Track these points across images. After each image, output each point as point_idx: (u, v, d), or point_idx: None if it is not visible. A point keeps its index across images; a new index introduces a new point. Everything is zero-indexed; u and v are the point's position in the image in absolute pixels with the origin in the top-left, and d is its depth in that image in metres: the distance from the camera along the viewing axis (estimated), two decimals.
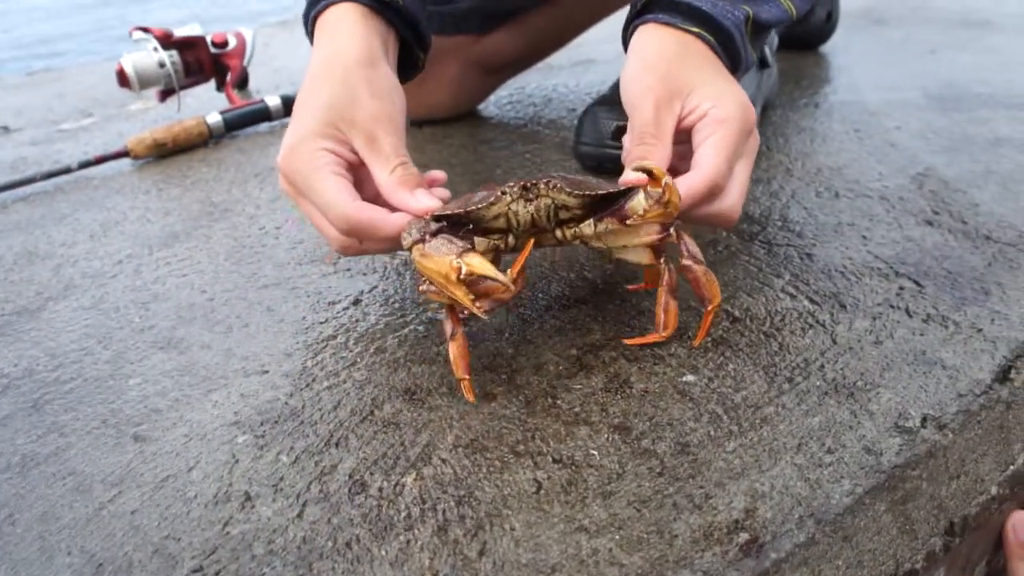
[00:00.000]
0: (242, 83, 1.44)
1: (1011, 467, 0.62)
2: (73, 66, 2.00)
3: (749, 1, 0.75)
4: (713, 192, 0.65)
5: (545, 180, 0.62)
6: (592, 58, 1.52)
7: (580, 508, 0.53)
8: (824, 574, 0.51)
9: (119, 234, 0.97)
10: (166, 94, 1.34)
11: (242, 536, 0.53)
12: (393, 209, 0.66)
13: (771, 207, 0.91)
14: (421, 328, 0.72)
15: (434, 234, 0.59)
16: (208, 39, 1.34)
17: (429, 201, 0.66)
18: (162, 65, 1.29)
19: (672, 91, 0.69)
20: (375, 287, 0.79)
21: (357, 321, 0.74)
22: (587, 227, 0.65)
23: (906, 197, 0.92)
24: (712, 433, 0.59)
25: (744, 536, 0.51)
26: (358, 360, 0.69)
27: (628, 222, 0.62)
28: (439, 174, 0.73)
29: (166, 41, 1.29)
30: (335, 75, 0.71)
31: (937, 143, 1.07)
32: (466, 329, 0.63)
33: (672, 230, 0.65)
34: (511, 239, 0.65)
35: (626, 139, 0.72)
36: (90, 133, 1.39)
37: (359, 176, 0.69)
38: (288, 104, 1.30)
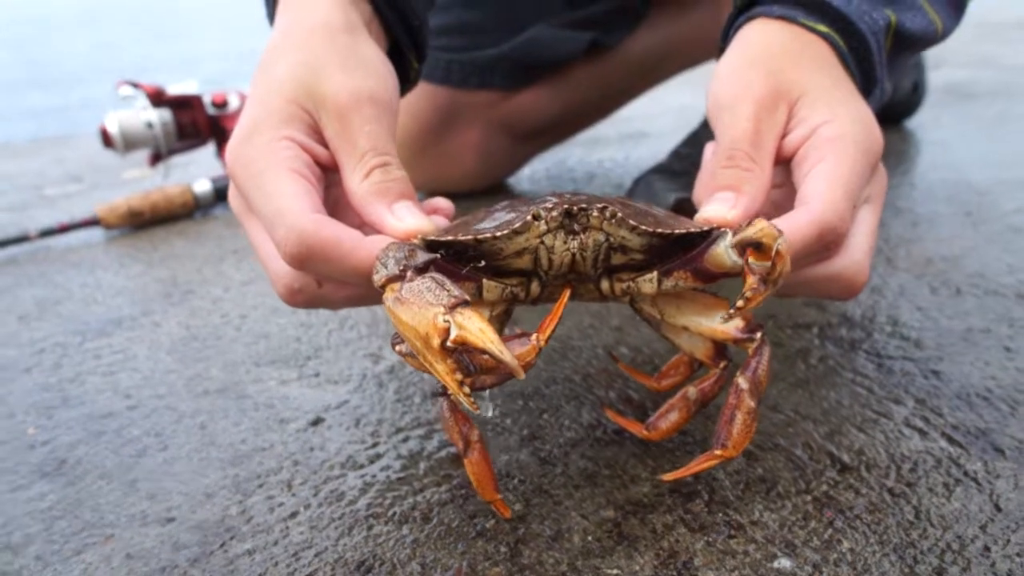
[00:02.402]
0: None
1: None
2: (88, 133, 1.89)
3: (891, 5, 0.55)
4: (826, 241, 0.44)
5: (600, 207, 0.42)
6: (644, 131, 1.34)
7: None
8: None
9: (54, 316, 0.79)
10: (156, 158, 1.18)
11: None
12: (366, 230, 0.46)
13: (875, 307, 0.69)
14: (397, 466, 0.52)
15: (421, 269, 0.39)
16: (207, 98, 1.19)
17: (414, 219, 0.45)
18: (150, 125, 1.13)
19: (778, 93, 0.49)
20: (345, 401, 0.59)
21: (312, 450, 0.54)
22: (647, 282, 0.44)
23: None
24: None
25: None
26: (300, 510, 0.48)
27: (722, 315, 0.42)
28: (445, 203, 0.52)
29: (157, 99, 1.14)
30: (302, 40, 0.51)
31: None
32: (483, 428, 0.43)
33: (760, 334, 0.44)
34: (535, 286, 0.45)
35: (707, 155, 0.53)
36: (71, 200, 1.24)
37: (336, 193, 0.49)
38: None
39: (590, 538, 0.44)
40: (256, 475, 0.52)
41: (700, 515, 0.46)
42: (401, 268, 0.39)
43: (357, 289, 0.46)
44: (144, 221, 1.06)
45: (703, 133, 0.87)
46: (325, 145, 0.49)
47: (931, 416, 0.54)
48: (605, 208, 0.42)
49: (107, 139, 1.14)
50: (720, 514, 0.46)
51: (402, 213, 0.46)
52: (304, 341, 0.69)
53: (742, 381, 0.44)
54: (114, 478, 0.53)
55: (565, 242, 0.42)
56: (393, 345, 0.44)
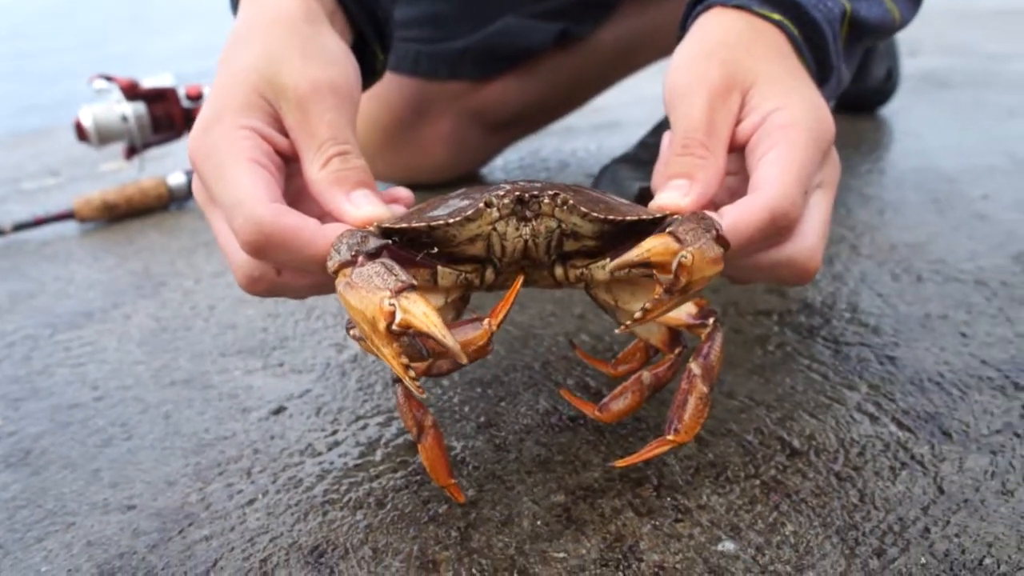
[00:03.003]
0: None
1: None
2: (66, 127, 1.88)
3: None
4: (779, 226, 0.45)
5: (552, 192, 0.42)
6: (617, 121, 1.35)
7: None
8: None
9: (27, 309, 0.80)
10: (132, 151, 1.18)
11: None
12: (327, 219, 0.46)
13: (836, 293, 0.70)
14: (355, 452, 0.52)
15: (372, 255, 0.40)
16: (181, 91, 1.19)
17: (371, 207, 0.46)
18: (125, 119, 1.13)
19: (731, 81, 0.49)
20: (307, 391, 0.60)
21: (272, 438, 0.55)
22: (599, 268, 0.45)
23: (1010, 281, 0.71)
24: None
25: None
26: (258, 497, 0.49)
27: (638, 310, 0.42)
28: (404, 192, 0.53)
29: (131, 92, 1.14)
30: (263, 30, 0.52)
31: None
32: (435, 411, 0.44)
33: (712, 320, 0.45)
34: (489, 273, 0.46)
35: (664, 144, 0.53)
36: (48, 194, 1.24)
37: (297, 184, 0.50)
38: None
39: (539, 522, 0.45)
40: (217, 463, 0.52)
41: (648, 500, 0.46)
42: (353, 254, 0.40)
43: (317, 277, 0.46)
44: (119, 214, 1.06)
45: (668, 123, 0.88)
46: (286, 134, 0.50)
47: (883, 401, 0.55)
48: (557, 195, 0.43)
49: (82, 133, 1.13)
50: (668, 499, 0.46)
51: (359, 201, 0.47)
52: (271, 331, 0.70)
53: (694, 366, 0.45)
54: (78, 467, 0.54)
55: (517, 228, 0.43)
56: (347, 330, 0.44)
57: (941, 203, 0.91)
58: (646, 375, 0.48)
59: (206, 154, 0.48)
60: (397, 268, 0.38)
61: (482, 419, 0.55)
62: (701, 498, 0.46)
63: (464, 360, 0.38)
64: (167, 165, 1.23)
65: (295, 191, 0.50)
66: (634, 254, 0.40)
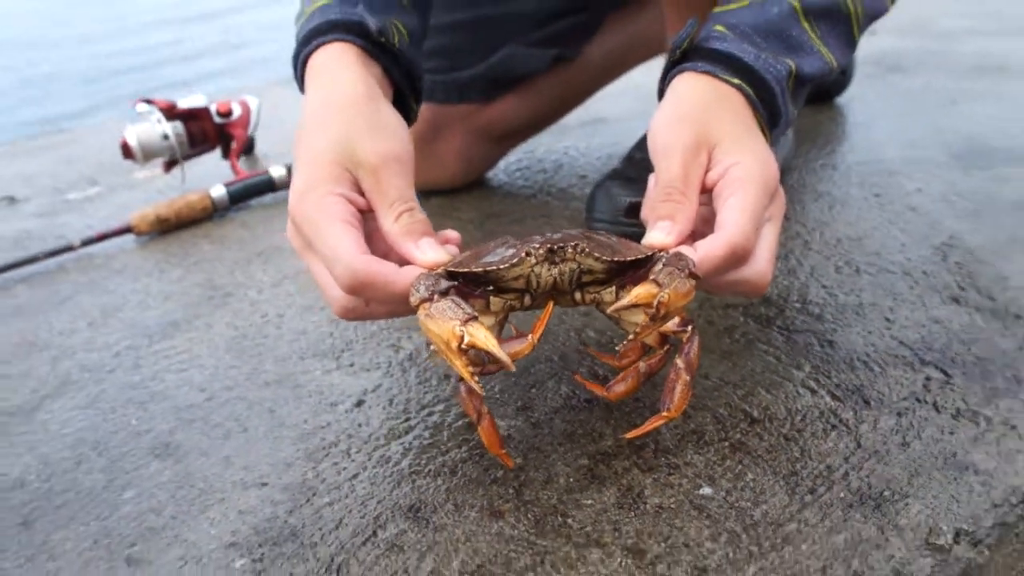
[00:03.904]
0: (248, 149, 1.44)
1: None
2: (83, 128, 2.01)
3: (792, 53, 0.72)
4: (737, 256, 0.61)
5: (573, 244, 0.58)
6: (603, 116, 1.50)
7: None
8: None
9: (118, 322, 0.95)
10: (171, 164, 1.33)
11: None
12: (403, 263, 0.62)
13: (790, 287, 0.87)
14: (426, 434, 0.69)
15: (444, 293, 0.56)
16: (212, 108, 1.33)
17: (435, 254, 0.62)
18: (166, 137, 1.28)
19: (700, 141, 0.65)
20: (379, 385, 0.77)
21: (360, 426, 0.71)
22: (608, 293, 0.62)
23: (930, 271, 0.89)
24: (731, 555, 0.55)
25: None
26: (360, 471, 0.66)
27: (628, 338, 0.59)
28: (453, 234, 0.69)
29: (170, 113, 1.29)
30: (337, 113, 0.66)
31: (960, 206, 1.03)
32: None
33: (690, 328, 0.62)
34: (527, 299, 0.62)
35: (650, 186, 0.69)
36: (95, 204, 1.38)
37: (370, 228, 0.65)
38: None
39: (571, 480, 0.62)
40: (321, 447, 0.69)
41: (648, 460, 0.64)
42: (430, 293, 0.56)
43: (395, 306, 0.62)
44: (170, 226, 1.21)
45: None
46: (362, 195, 0.65)
47: (821, 378, 0.73)
48: (577, 245, 0.59)
49: (127, 151, 1.28)
50: (663, 458, 0.64)
51: (425, 248, 0.63)
52: (336, 336, 0.86)
53: (679, 361, 0.62)
54: (211, 455, 0.70)
55: (548, 270, 0.59)
56: (427, 346, 0.61)
57: (881, 197, 1.08)
58: (642, 365, 0.65)
59: (305, 216, 0.63)
60: (463, 303, 0.55)
61: (519, 404, 0.71)
62: (686, 457, 0.64)
63: (512, 369, 0.55)
64: (199, 173, 1.37)
65: (367, 235, 0.66)
66: (627, 301, 0.56)
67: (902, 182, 1.12)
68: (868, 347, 0.76)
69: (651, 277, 0.56)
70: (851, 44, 0.80)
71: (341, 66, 0.70)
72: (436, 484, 0.63)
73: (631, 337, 0.58)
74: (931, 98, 1.48)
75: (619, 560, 0.55)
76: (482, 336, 0.53)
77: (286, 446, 0.70)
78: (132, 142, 1.26)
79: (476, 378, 0.55)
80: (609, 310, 0.58)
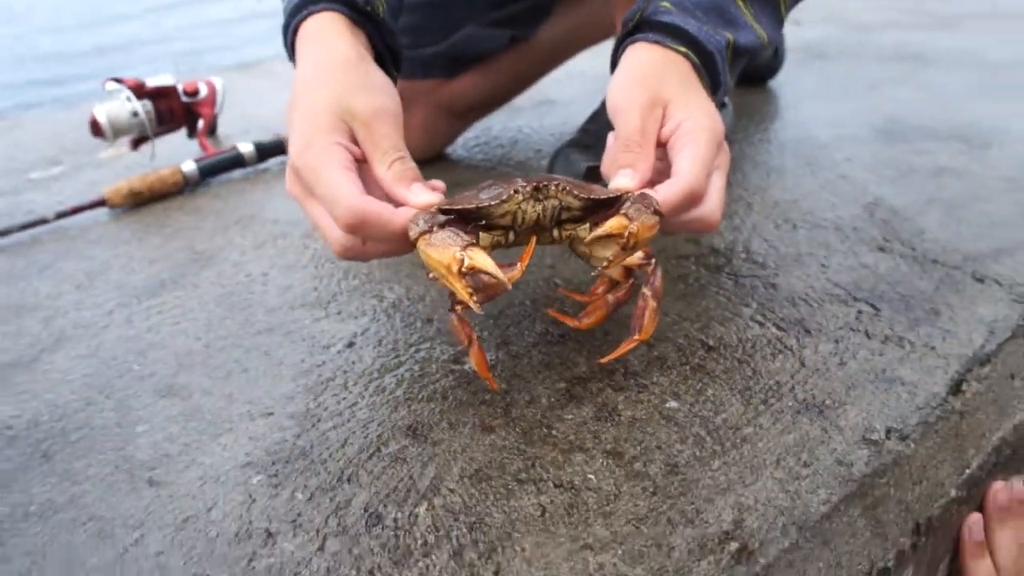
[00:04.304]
0: (211, 130, 1.47)
1: (967, 471, 0.68)
2: (28, 116, 2.00)
3: (730, 27, 0.80)
4: (692, 199, 0.69)
5: (555, 183, 0.65)
6: (552, 98, 1.58)
7: (583, 528, 0.57)
8: (808, 575, 0.56)
9: (104, 283, 0.99)
10: (138, 142, 1.36)
11: (268, 570, 0.56)
12: (396, 207, 0.68)
13: (735, 240, 0.96)
14: (416, 367, 0.76)
15: (441, 226, 0.62)
16: (180, 88, 1.37)
17: (427, 196, 0.68)
18: (135, 115, 1.31)
19: (655, 100, 0.73)
20: (367, 329, 0.83)
21: (353, 363, 0.78)
22: (583, 230, 0.68)
23: (859, 227, 0.99)
24: (698, 454, 0.64)
25: (735, 545, 0.56)
26: (359, 400, 0.72)
27: (600, 260, 0.66)
28: (439, 183, 0.74)
29: (139, 91, 1.32)
30: (332, 73, 0.73)
31: (884, 174, 1.14)
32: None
33: (653, 261, 0.69)
34: (511, 236, 0.68)
35: (610, 142, 0.76)
36: (60, 182, 1.40)
37: (364, 177, 0.71)
38: (261, 151, 1.33)
39: (552, 400, 0.70)
40: (319, 382, 0.75)
41: (619, 382, 0.72)
42: (429, 226, 0.63)
43: (391, 245, 0.68)
44: (143, 200, 1.24)
45: (601, 112, 1.12)
46: (358, 146, 0.71)
47: (767, 313, 0.82)
48: (558, 184, 0.66)
49: (97, 129, 1.31)
50: (632, 380, 0.72)
51: (417, 191, 0.69)
52: (320, 290, 0.92)
53: (646, 290, 0.69)
54: (214, 393, 0.76)
55: (533, 206, 0.66)
56: (427, 275, 0.67)
57: (813, 166, 1.18)
58: (610, 297, 0.73)
59: (309, 165, 0.69)
60: (461, 233, 0.62)
61: (499, 340, 0.79)
62: (653, 378, 0.72)
63: (509, 288, 0.62)
64: (164, 152, 1.40)
65: (363, 182, 0.71)
66: (602, 230, 0.64)
67: (832, 154, 1.22)
68: (807, 288, 0.86)
69: (621, 212, 0.64)
70: (779, 22, 0.89)
71: (332, 32, 0.76)
72: (430, 407, 0.70)
73: (602, 267, 0.66)
74: (854, 82, 1.60)
75: (600, 461, 0.63)
76: (481, 258, 0.60)
77: (286, 382, 0.76)
78: (102, 119, 1.29)
79: (474, 298, 0.61)
80: (587, 238, 0.65)
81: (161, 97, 1.35)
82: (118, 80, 1.31)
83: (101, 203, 1.22)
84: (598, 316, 0.73)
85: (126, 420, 0.73)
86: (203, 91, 1.39)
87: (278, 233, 1.08)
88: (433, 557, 0.56)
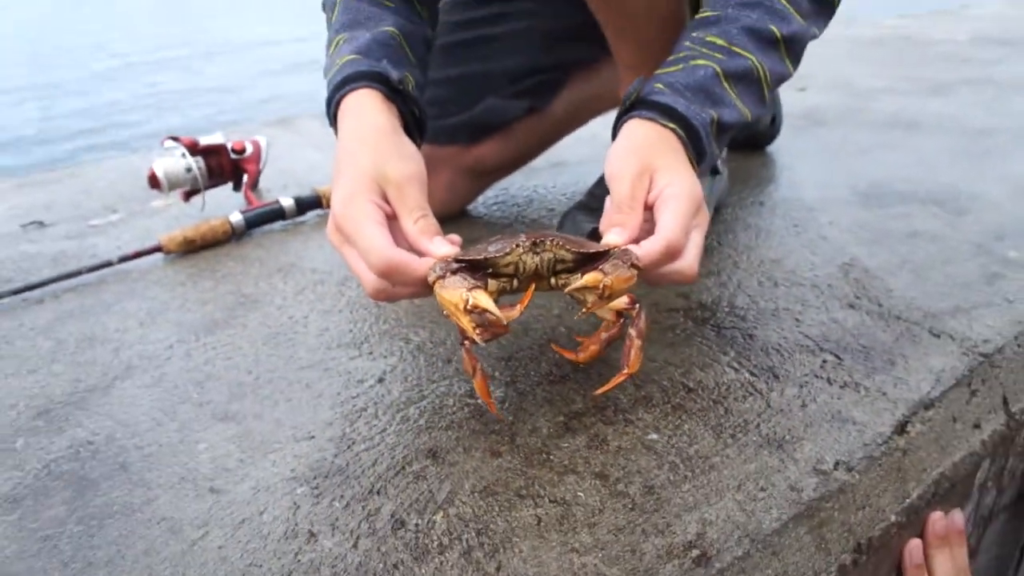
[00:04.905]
0: (254, 184, 1.62)
1: (907, 500, 0.79)
2: (89, 163, 2.17)
3: (715, 106, 0.92)
4: (671, 253, 0.80)
5: (551, 238, 0.77)
6: (565, 160, 1.72)
7: (571, 535, 0.69)
8: None
9: (164, 321, 1.13)
10: (190, 194, 1.51)
11: (311, 562, 0.68)
12: (420, 257, 0.80)
13: (720, 295, 1.09)
14: (437, 400, 0.88)
15: (454, 272, 0.75)
16: (229, 146, 1.52)
17: (446, 248, 0.81)
18: (189, 170, 1.46)
19: (644, 169, 0.85)
20: (395, 367, 0.96)
21: (383, 396, 0.90)
22: (575, 279, 0.78)
23: (833, 284, 1.11)
24: (672, 478, 0.75)
25: (696, 552, 0.67)
26: (387, 427, 0.85)
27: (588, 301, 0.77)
28: (456, 237, 0.87)
29: (193, 148, 1.47)
30: (371, 143, 0.87)
31: (862, 236, 1.26)
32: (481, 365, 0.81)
33: (637, 305, 0.81)
34: (515, 283, 0.79)
35: (607, 207, 0.87)
36: (118, 228, 1.55)
37: (393, 229, 0.83)
38: (300, 204, 1.48)
39: (551, 430, 0.82)
40: (354, 411, 0.88)
41: (609, 416, 0.84)
42: (443, 272, 0.76)
43: (414, 288, 0.81)
44: (194, 247, 1.38)
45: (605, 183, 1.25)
46: (389, 204, 0.85)
47: (743, 361, 0.94)
48: (553, 239, 0.78)
49: (155, 182, 1.46)
50: (620, 415, 0.84)
51: (438, 244, 0.82)
52: (355, 332, 1.05)
53: (632, 331, 0.81)
54: (264, 419, 0.88)
55: (532, 258, 0.78)
56: (442, 312, 0.79)
57: (799, 227, 1.31)
58: (603, 335, 0.85)
59: (349, 218, 0.82)
60: (469, 278, 0.75)
61: (509, 379, 0.91)
62: (638, 414, 0.84)
63: (504, 323, 0.73)
64: (210, 204, 1.55)
65: (393, 235, 0.84)
66: (579, 283, 0.75)
67: (817, 216, 1.35)
68: (780, 339, 0.98)
69: (599, 267, 0.76)
70: (762, 101, 1.00)
71: (370, 107, 0.91)
72: (447, 434, 0.83)
73: (584, 310, 0.77)
74: (847, 147, 1.73)
75: (589, 481, 0.75)
76: (483, 299, 0.72)
77: (325, 411, 0.89)
78: (160, 173, 1.44)
79: (477, 331, 0.74)
80: (567, 289, 0.78)
81: (212, 154, 1.50)
82: (175, 139, 1.46)
83: (158, 249, 1.36)
84: (592, 351, 0.85)
85: (188, 439, 0.86)
86: (249, 149, 1.54)
87: (316, 280, 1.21)
88: (447, 555, 0.68)
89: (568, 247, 0.78)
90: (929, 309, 1.04)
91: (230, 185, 1.58)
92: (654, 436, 0.81)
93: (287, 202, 1.47)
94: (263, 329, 1.08)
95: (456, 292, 0.73)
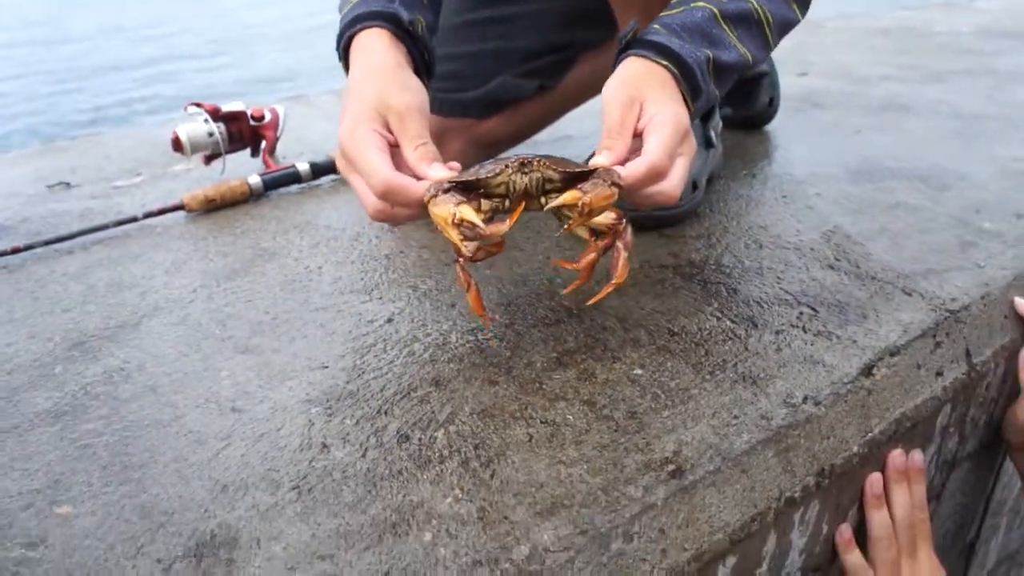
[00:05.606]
0: (272, 150, 1.70)
1: (869, 434, 0.86)
2: (111, 133, 2.25)
3: (712, 47, 0.97)
4: (655, 173, 0.85)
5: (538, 159, 0.83)
6: (569, 134, 1.79)
7: (560, 451, 0.77)
8: (726, 492, 0.74)
9: (188, 270, 1.20)
10: (211, 158, 1.59)
11: (324, 468, 0.76)
12: (419, 180, 0.86)
13: (708, 255, 1.16)
14: (440, 338, 0.96)
15: (445, 191, 0.81)
16: (248, 113, 1.60)
17: (443, 172, 0.86)
18: (211, 135, 1.54)
19: (633, 98, 0.90)
20: (403, 310, 1.03)
21: (391, 334, 0.98)
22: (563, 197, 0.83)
23: (815, 248, 1.18)
24: (653, 406, 0.83)
25: (672, 467, 0.75)
26: (395, 359, 0.92)
27: (570, 213, 0.81)
28: (455, 164, 0.92)
29: (215, 114, 1.55)
30: (376, 76, 0.94)
31: (847, 206, 1.33)
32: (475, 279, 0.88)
33: (624, 220, 0.87)
34: (506, 202, 0.85)
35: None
36: (142, 190, 1.62)
37: (394, 156, 0.89)
38: (316, 169, 1.55)
39: (545, 364, 0.89)
40: (364, 346, 0.95)
41: (599, 354, 0.91)
42: (435, 191, 0.82)
43: (413, 209, 0.87)
44: (215, 206, 1.46)
45: None
46: (391, 133, 0.91)
47: (724, 311, 1.01)
48: (541, 160, 0.83)
49: (178, 145, 1.54)
50: (609, 354, 0.91)
51: (435, 169, 0.88)
52: (366, 280, 1.12)
53: (619, 243, 0.87)
54: (282, 352, 0.96)
55: (522, 178, 0.83)
56: (435, 228, 0.85)
57: (788, 198, 1.37)
58: (599, 244, 0.90)
59: (353, 145, 0.89)
60: (457, 195, 0.81)
61: (507, 322, 0.98)
62: (626, 353, 0.91)
63: (487, 234, 0.79)
64: (230, 168, 1.62)
65: (395, 165, 0.90)
66: (558, 201, 0.80)
67: (806, 188, 1.42)
68: (762, 294, 1.05)
69: (578, 186, 0.81)
70: (766, 45, 1.04)
71: (378, 45, 0.98)
72: (450, 366, 0.90)
73: (566, 227, 0.83)
74: (842, 128, 1.79)
75: (577, 407, 0.83)
76: (468, 212, 0.78)
77: (338, 346, 0.96)
78: (183, 137, 1.52)
79: (471, 247, 0.80)
80: (548, 206, 0.83)
81: (232, 120, 1.58)
82: (198, 104, 1.54)
83: (180, 207, 1.44)
84: (590, 260, 0.90)
85: (212, 368, 0.93)
86: (268, 116, 1.61)
87: (330, 236, 1.29)
88: (446, 464, 0.75)
89: (555, 167, 0.83)
90: (903, 271, 1.11)
91: (248, 152, 1.66)
92: (639, 371, 0.88)
93: (303, 167, 1.54)
94: (280, 277, 1.16)
95: (445, 207, 0.79)
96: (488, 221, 0.82)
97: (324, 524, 0.69)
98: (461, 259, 0.86)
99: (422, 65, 1.04)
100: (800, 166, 1.54)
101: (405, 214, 0.89)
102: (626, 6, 1.24)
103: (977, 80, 2.24)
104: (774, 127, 1.82)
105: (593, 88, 1.53)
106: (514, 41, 1.43)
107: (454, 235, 0.80)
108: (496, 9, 1.44)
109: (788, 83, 2.00)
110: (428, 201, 0.82)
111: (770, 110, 1.80)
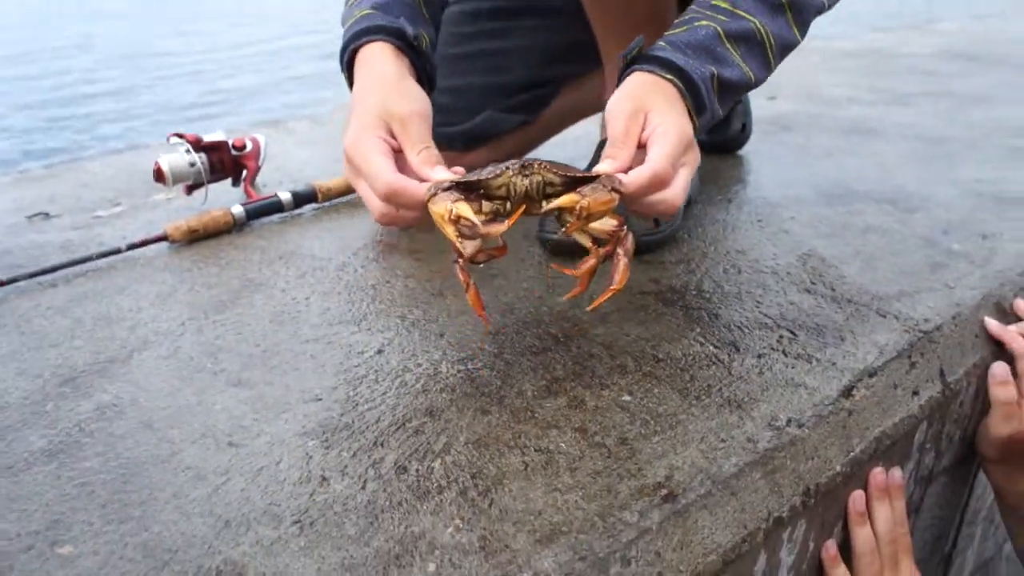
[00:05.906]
0: (252, 180, 1.71)
1: (851, 454, 0.89)
2: (85, 160, 2.24)
3: (716, 64, 0.99)
4: (657, 181, 0.86)
5: (539, 162, 0.84)
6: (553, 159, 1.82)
7: (555, 478, 0.79)
8: (718, 514, 0.77)
9: (176, 302, 1.21)
10: (192, 188, 1.59)
11: (325, 501, 0.77)
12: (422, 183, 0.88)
13: (688, 280, 1.19)
14: (431, 368, 0.98)
15: (445, 190, 0.83)
16: (230, 143, 1.61)
17: (445, 174, 0.89)
18: (192, 165, 1.54)
19: (638, 109, 0.92)
20: (392, 340, 1.05)
21: (383, 365, 0.99)
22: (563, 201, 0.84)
23: (792, 272, 1.21)
24: (643, 432, 0.85)
25: (664, 491, 0.77)
26: (388, 391, 0.94)
27: (571, 214, 0.82)
28: (459, 168, 0.94)
29: (196, 145, 1.55)
30: (380, 86, 0.97)
31: (821, 230, 1.37)
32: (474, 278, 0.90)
33: (624, 227, 0.89)
34: (507, 205, 0.86)
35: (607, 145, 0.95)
36: (123, 220, 1.62)
37: (399, 162, 0.92)
38: (297, 198, 1.56)
39: (535, 392, 0.91)
40: (357, 377, 0.97)
41: (588, 381, 0.93)
42: (435, 191, 0.84)
43: (417, 212, 0.89)
44: (198, 236, 1.47)
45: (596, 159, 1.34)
46: (395, 139, 0.94)
47: (708, 336, 1.04)
48: (541, 163, 0.85)
49: (160, 176, 1.54)
50: (596, 382, 0.94)
51: (438, 171, 0.90)
52: (354, 311, 1.14)
53: (619, 250, 0.88)
54: (275, 384, 0.97)
55: (522, 180, 0.84)
56: (434, 228, 0.86)
57: (763, 222, 1.41)
58: (600, 251, 0.91)
59: (358, 151, 0.92)
60: (455, 194, 0.82)
61: (497, 351, 1.01)
62: (613, 380, 0.94)
63: (483, 232, 0.80)
64: (210, 198, 1.63)
65: (399, 169, 0.92)
66: (555, 203, 0.83)
67: (780, 212, 1.46)
68: (742, 318, 1.08)
69: (578, 190, 0.83)
70: (768, 65, 1.06)
71: (381, 57, 1.01)
72: (442, 397, 0.92)
73: (563, 230, 0.85)
74: (812, 151, 1.84)
75: (570, 434, 0.85)
76: (464, 209, 0.80)
77: (330, 378, 0.98)
78: (165, 168, 1.52)
79: (464, 245, 0.83)
80: (546, 208, 0.85)
81: (214, 150, 1.58)
82: (180, 135, 1.55)
83: (163, 238, 1.44)
84: (590, 266, 0.91)
85: (206, 402, 0.94)
86: (249, 146, 1.62)
87: (316, 266, 1.30)
88: (445, 494, 0.77)
89: (556, 171, 0.84)
90: (877, 293, 1.15)
91: (228, 181, 1.66)
92: (627, 398, 0.91)
93: (285, 196, 1.56)
94: (268, 308, 1.17)
95: (442, 205, 0.81)
96: (488, 223, 0.83)
97: (329, 558, 0.71)
98: (460, 260, 0.88)
99: (425, 78, 1.07)
100: (773, 190, 1.58)
101: (410, 216, 0.91)
102: (613, 40, 1.28)
103: (938, 102, 2.31)
104: (747, 151, 1.86)
105: (571, 118, 1.57)
106: (502, 76, 1.46)
107: (451, 232, 0.81)
108: (486, 43, 1.48)
109: (758, 106, 2.05)
110: (428, 200, 0.84)
111: (743, 136, 1.85)
